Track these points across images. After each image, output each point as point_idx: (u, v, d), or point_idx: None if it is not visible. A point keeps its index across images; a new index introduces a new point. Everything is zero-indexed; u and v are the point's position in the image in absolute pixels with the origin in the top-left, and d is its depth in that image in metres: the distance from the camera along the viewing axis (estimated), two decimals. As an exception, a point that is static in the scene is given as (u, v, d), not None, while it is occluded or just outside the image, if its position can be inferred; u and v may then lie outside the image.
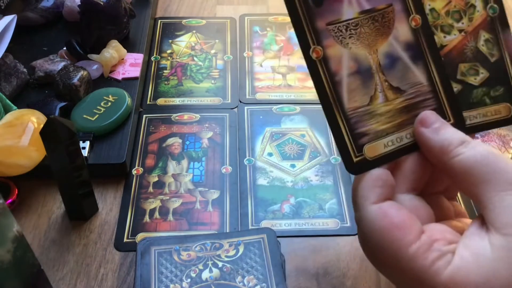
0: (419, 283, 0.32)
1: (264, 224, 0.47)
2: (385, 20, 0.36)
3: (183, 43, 0.66)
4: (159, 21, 0.70)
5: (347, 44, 0.35)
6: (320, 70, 0.35)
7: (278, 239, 0.44)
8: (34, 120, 0.48)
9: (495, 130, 0.56)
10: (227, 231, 0.47)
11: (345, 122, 0.35)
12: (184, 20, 0.70)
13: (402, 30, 0.36)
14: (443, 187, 0.38)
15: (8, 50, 0.55)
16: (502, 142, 0.55)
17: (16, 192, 0.48)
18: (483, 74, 0.38)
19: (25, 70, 0.57)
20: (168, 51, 0.65)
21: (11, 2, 0.63)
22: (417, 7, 0.36)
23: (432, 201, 0.37)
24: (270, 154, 0.53)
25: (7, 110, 0.51)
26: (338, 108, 0.35)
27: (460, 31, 0.38)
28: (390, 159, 0.36)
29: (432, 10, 0.37)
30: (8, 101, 0.51)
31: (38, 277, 0.38)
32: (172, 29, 0.68)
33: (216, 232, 0.47)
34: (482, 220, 0.32)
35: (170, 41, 0.67)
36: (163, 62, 0.64)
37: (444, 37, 0.38)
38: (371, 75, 0.36)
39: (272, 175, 0.51)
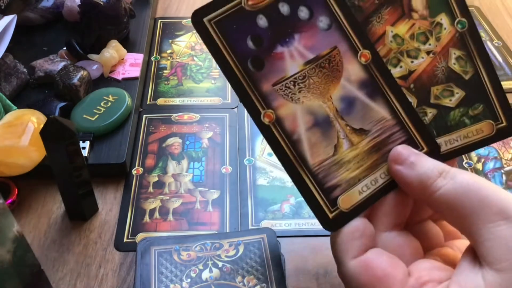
0: None
1: (264, 224, 0.47)
2: (333, 64, 0.34)
3: (183, 43, 0.66)
4: (159, 21, 0.70)
5: (298, 99, 0.34)
6: (276, 134, 0.33)
7: (278, 239, 0.44)
8: (34, 120, 0.48)
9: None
10: (227, 231, 0.47)
11: (312, 179, 0.34)
12: (184, 20, 0.70)
13: (353, 69, 0.34)
14: (428, 214, 0.37)
15: (8, 50, 0.55)
16: (502, 142, 0.55)
17: (16, 192, 0.48)
18: (458, 94, 0.37)
19: (25, 70, 0.57)
20: (168, 51, 0.65)
21: (11, 2, 0.63)
22: (363, 42, 0.34)
23: (419, 231, 0.35)
24: (270, 154, 0.53)
25: (7, 110, 0.51)
26: (302, 167, 0.34)
27: (428, 52, 0.36)
28: (368, 205, 0.34)
29: (395, 36, 0.36)
30: (8, 101, 0.51)
31: (38, 277, 0.38)
32: (172, 29, 0.68)
33: (216, 232, 0.47)
34: (474, 253, 0.31)
35: (170, 41, 0.67)
36: (163, 62, 0.64)
37: (412, 62, 0.36)
38: (331, 124, 0.34)
39: (272, 175, 0.51)
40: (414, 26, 0.36)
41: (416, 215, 0.36)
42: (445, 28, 0.36)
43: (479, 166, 0.53)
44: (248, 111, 0.33)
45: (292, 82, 0.33)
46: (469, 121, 0.37)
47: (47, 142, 0.41)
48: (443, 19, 0.36)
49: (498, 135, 0.37)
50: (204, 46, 0.65)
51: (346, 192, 0.34)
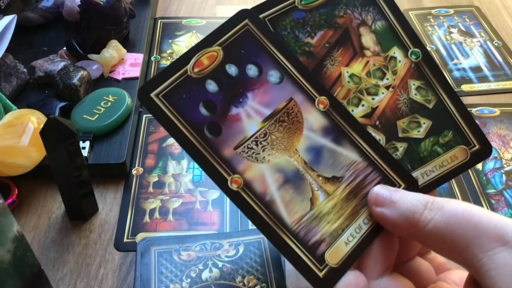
0: None
1: (264, 224, 0.47)
2: (292, 116, 0.33)
3: (183, 43, 0.66)
4: (159, 21, 0.70)
5: (263, 158, 0.32)
6: (247, 199, 0.32)
7: (278, 239, 0.44)
8: (34, 120, 0.48)
9: (495, 130, 0.56)
10: (227, 231, 0.47)
11: (294, 239, 0.32)
12: (184, 20, 0.70)
13: (313, 118, 0.33)
14: (416, 251, 0.35)
15: (8, 50, 0.55)
16: (502, 142, 0.55)
17: (16, 192, 0.48)
18: (425, 123, 0.36)
19: (25, 70, 0.57)
20: (168, 51, 0.65)
21: (11, 2, 0.63)
22: (318, 89, 0.34)
23: (409, 270, 0.34)
24: (270, 154, 0.53)
25: (7, 110, 0.51)
26: (281, 228, 0.32)
27: (387, 87, 0.36)
28: (357, 255, 0.33)
29: (352, 76, 0.35)
30: (8, 101, 0.51)
31: (38, 277, 0.38)
32: (172, 29, 0.69)
33: (216, 232, 0.47)
34: (475, 284, 0.29)
35: (170, 41, 0.67)
36: (163, 62, 0.64)
37: (373, 99, 0.35)
38: (302, 177, 0.33)
39: (272, 175, 0.51)
40: (369, 63, 0.36)
41: (403, 254, 0.34)
42: (399, 61, 0.36)
43: (479, 166, 0.53)
44: (214, 181, 0.32)
45: (254, 142, 0.32)
46: (441, 149, 0.36)
47: (47, 142, 0.41)
48: (396, 52, 0.36)
49: (474, 159, 0.36)
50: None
51: (332, 246, 0.33)
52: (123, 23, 0.61)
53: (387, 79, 0.36)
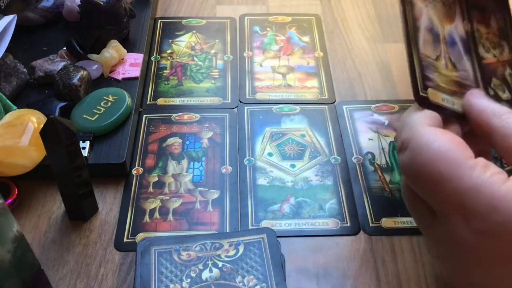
0: (476, 190, 0.32)
1: (264, 224, 0.47)
2: (449, 10, 0.42)
3: (183, 43, 0.66)
4: (159, 21, 0.70)
5: (427, 5, 0.41)
6: (406, 10, 0.39)
7: (278, 239, 0.44)
8: (34, 120, 0.48)
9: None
10: (227, 231, 0.47)
11: (418, 61, 0.39)
12: (184, 20, 0.70)
13: (459, 27, 0.43)
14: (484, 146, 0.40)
15: (8, 50, 0.55)
16: (502, 142, 0.55)
17: (16, 192, 0.48)
18: (506, 95, 0.43)
19: (25, 70, 0.57)
20: (168, 51, 0.65)
21: (11, 2, 0.63)
22: (469, 17, 0.43)
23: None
24: (270, 154, 0.53)
25: (7, 110, 0.51)
26: (416, 48, 0.39)
27: (494, 56, 0.44)
28: (442, 112, 0.39)
29: (477, 30, 0.44)
30: (8, 101, 0.51)
31: (38, 277, 0.38)
32: (172, 29, 0.68)
33: (216, 232, 0.47)
34: None
35: (170, 41, 0.67)
36: (163, 62, 0.64)
37: (486, 53, 0.43)
38: (439, 41, 0.41)
39: (272, 175, 0.51)
40: (489, 34, 0.44)
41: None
42: (505, 51, 0.45)
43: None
44: None
45: None
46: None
47: (47, 142, 0.41)
48: (505, 46, 0.45)
49: None
50: (204, 46, 0.66)
51: (435, 90, 0.39)
52: (123, 23, 0.61)
53: (496, 51, 0.44)
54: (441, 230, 0.35)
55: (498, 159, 0.53)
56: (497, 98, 0.42)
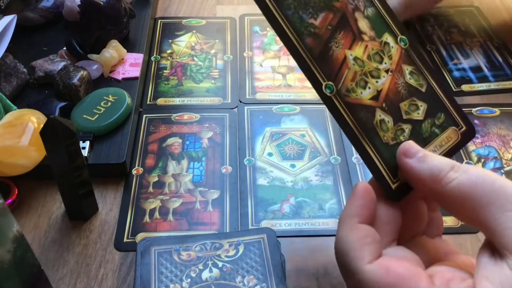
0: None
1: (264, 224, 0.47)
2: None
3: (183, 43, 0.66)
4: (159, 21, 0.70)
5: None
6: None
7: (278, 239, 0.44)
8: (34, 120, 0.48)
9: (495, 130, 0.56)
10: (227, 231, 0.47)
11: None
12: (184, 20, 0.70)
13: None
14: (422, 227, 0.36)
15: (8, 50, 0.55)
16: (502, 142, 0.55)
17: (16, 192, 0.48)
18: (422, 106, 0.38)
19: (25, 70, 0.57)
20: (168, 51, 0.65)
21: (11, 2, 0.63)
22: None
23: (415, 246, 0.35)
24: (270, 154, 0.53)
25: (7, 110, 0.51)
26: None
27: (387, 71, 0.37)
28: None
29: (356, 58, 0.36)
30: (8, 101, 0.51)
31: (38, 277, 0.38)
32: (172, 29, 0.68)
33: (216, 232, 0.47)
34: (491, 247, 0.31)
35: (170, 41, 0.67)
36: (163, 62, 0.64)
37: (376, 82, 0.37)
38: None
39: (272, 175, 0.51)
40: (368, 47, 0.37)
41: (409, 229, 0.35)
42: (392, 47, 0.38)
43: (479, 166, 0.53)
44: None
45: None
46: (438, 130, 0.38)
47: (47, 142, 0.41)
48: (388, 38, 0.38)
49: (464, 140, 0.39)
50: (204, 46, 0.66)
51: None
52: (123, 23, 0.61)
53: (385, 63, 0.37)
54: None
55: (498, 159, 0.53)
56: (416, 127, 0.37)
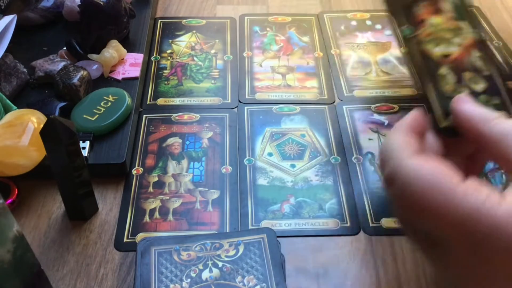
0: (474, 219, 0.31)
1: (264, 224, 0.47)
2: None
3: (183, 43, 0.66)
4: (159, 21, 0.70)
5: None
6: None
7: (278, 239, 0.44)
8: (34, 120, 0.48)
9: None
10: (227, 231, 0.47)
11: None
12: (184, 20, 0.70)
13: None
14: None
15: (8, 50, 0.55)
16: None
17: (16, 192, 0.48)
18: (482, 85, 0.41)
19: (25, 70, 0.57)
20: (168, 51, 0.65)
21: (11, 2, 0.63)
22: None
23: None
24: (270, 154, 0.53)
25: (7, 110, 0.51)
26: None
27: (457, 45, 0.42)
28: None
29: (433, 24, 0.42)
30: (8, 101, 0.51)
31: (38, 277, 0.38)
32: (172, 29, 0.69)
33: (216, 232, 0.47)
34: None
35: (170, 41, 0.67)
36: (163, 62, 0.64)
37: (446, 48, 0.41)
38: None
39: (272, 175, 0.51)
40: (447, 21, 0.42)
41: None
42: (467, 32, 0.42)
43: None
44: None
45: None
46: (492, 107, 0.40)
47: (47, 142, 0.41)
48: (465, 26, 0.42)
49: None
50: (204, 46, 0.66)
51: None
52: (123, 23, 0.61)
53: (458, 39, 0.42)
54: (445, 259, 0.35)
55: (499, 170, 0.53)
56: (474, 94, 0.41)
